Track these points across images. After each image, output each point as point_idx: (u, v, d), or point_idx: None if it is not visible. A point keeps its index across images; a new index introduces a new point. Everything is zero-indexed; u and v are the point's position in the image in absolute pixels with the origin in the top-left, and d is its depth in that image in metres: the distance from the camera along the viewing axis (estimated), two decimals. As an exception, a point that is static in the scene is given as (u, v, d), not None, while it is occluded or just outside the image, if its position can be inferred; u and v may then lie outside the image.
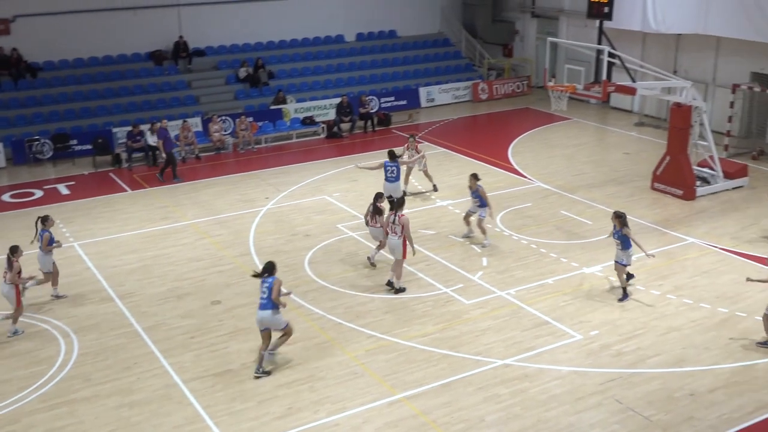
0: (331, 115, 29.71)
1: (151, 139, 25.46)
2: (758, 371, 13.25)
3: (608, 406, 12.36)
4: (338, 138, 28.69)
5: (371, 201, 17.27)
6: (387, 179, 20.03)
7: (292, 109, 29.74)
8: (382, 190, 18.31)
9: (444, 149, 26.45)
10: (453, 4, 37.45)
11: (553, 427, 11.89)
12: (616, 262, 15.84)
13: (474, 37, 37.05)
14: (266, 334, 13.37)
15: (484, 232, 18.44)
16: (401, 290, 16.22)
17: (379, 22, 35.51)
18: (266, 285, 13.13)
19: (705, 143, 22.17)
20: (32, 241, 16.04)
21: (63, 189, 23.54)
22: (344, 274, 17.17)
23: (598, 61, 21.25)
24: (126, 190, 23.36)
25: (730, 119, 25.46)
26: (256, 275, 13.41)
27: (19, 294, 14.81)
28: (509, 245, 18.51)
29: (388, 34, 35.78)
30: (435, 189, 22.26)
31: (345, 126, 29.15)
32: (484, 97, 33.95)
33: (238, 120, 27.55)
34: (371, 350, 14.09)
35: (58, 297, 16.27)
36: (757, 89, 25.18)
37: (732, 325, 14.76)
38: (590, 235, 19.02)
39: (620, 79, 22.96)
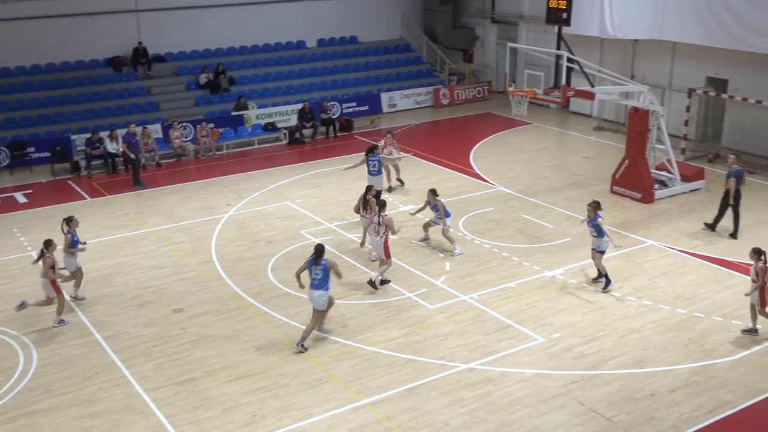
0: (293, 121, 29.64)
1: (111, 146, 25.19)
2: (716, 371, 13.49)
3: (571, 407, 12.48)
4: (300, 144, 28.63)
5: (362, 193, 18.07)
6: (370, 173, 20.74)
7: (254, 115, 29.61)
8: (344, 195, 18.59)
9: (406, 154, 26.50)
10: (413, 10, 37.61)
11: (517, 430, 11.98)
12: (593, 249, 16.46)
13: (434, 42, 37.25)
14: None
15: (452, 241, 18.53)
16: (385, 282, 16.76)
17: (340, 28, 35.54)
18: (320, 267, 14.05)
19: (662, 147, 22.54)
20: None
21: (20, 197, 23.16)
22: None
23: (558, 67, 21.50)
24: (85, 198, 23.06)
25: (686, 123, 25.90)
26: (313, 257, 14.21)
27: (56, 285, 15.07)
28: (472, 249, 18.62)
29: (349, 40, 35.81)
30: (401, 183, 22.94)
31: (307, 132, 29.11)
32: (445, 102, 34.14)
33: (199, 126, 27.35)
34: (335, 356, 14.08)
35: (77, 299, 16.29)
36: (712, 93, 25.66)
37: (690, 325, 15.01)
38: (552, 239, 19.21)
39: (579, 84, 23.25)
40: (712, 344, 14.32)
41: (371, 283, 16.54)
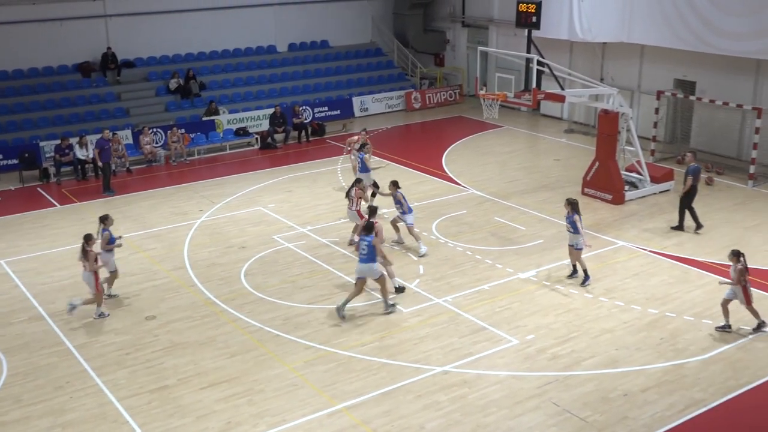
0: (265, 125, 29.55)
1: (80, 153, 24.95)
2: (688, 370, 13.63)
3: (546, 408, 12.55)
4: (272, 149, 28.54)
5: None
6: (361, 170, 21.27)
7: (225, 120, 29.48)
8: (316, 199, 18.62)
9: (379, 158, 26.54)
10: (384, 15, 37.66)
11: (492, 432, 12.03)
12: (569, 245, 16.73)
13: (405, 46, 37.33)
14: (361, 282, 15.27)
15: (417, 239, 18.59)
16: (400, 290, 16.52)
17: (310, 33, 35.50)
18: (365, 243, 15.03)
19: (632, 149, 22.76)
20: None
21: (-12, 205, 22.88)
22: (281, 286, 17.08)
23: (528, 70, 21.64)
24: (55, 205, 22.80)
25: (655, 125, 26.18)
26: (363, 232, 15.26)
27: (98, 280, 15.59)
28: (445, 252, 18.66)
29: (320, 44, 35.79)
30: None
31: (279, 137, 29.03)
32: (417, 106, 34.22)
33: (169, 132, 27.17)
34: (310, 361, 14.04)
35: (110, 296, 16.53)
36: (680, 95, 25.96)
37: (662, 325, 15.16)
38: (524, 241, 19.32)
39: (549, 87, 23.41)
40: (683, 343, 14.47)
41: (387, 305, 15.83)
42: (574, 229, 16.51)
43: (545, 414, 12.40)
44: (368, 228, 15.33)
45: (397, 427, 12.12)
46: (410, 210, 18.55)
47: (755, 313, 14.71)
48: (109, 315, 15.81)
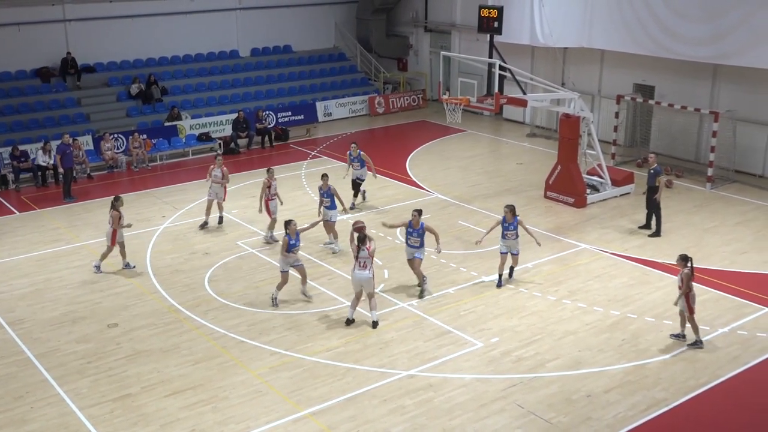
0: (228, 131, 29.39)
1: (43, 159, 24.62)
2: (649, 370, 13.82)
3: (511, 411, 12.64)
4: (235, 154, 28.39)
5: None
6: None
7: (188, 125, 29.27)
8: (279, 202, 19.86)
9: (342, 163, 26.51)
10: (347, 19, 37.69)
11: (457, 435, 12.08)
12: (511, 253, 17.06)
13: (369, 51, 37.39)
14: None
15: (336, 236, 18.92)
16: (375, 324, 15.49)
17: (273, 37, 35.40)
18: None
19: (593, 152, 23.04)
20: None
21: (-56, 213, 22.44)
22: (245, 291, 16.99)
23: (490, 74, 21.81)
24: (14, 213, 22.44)
25: (615, 129, 26.53)
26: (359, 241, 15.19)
27: (115, 235, 17.87)
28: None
29: (283, 49, 35.70)
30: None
31: (242, 142, 28.89)
32: (380, 110, 34.28)
33: (131, 137, 26.90)
34: (275, 367, 13.98)
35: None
36: (639, 100, 26.35)
37: (624, 326, 15.35)
38: (488, 245, 19.39)
39: (512, 91, 23.64)
40: (644, 344, 14.67)
41: (375, 324, 15.44)
42: (514, 236, 16.85)
43: (510, 416, 12.49)
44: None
45: (363, 431, 12.12)
46: (334, 207, 19.09)
47: (695, 329, 14.58)
48: (102, 273, 17.85)
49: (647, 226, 20.12)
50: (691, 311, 14.43)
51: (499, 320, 15.61)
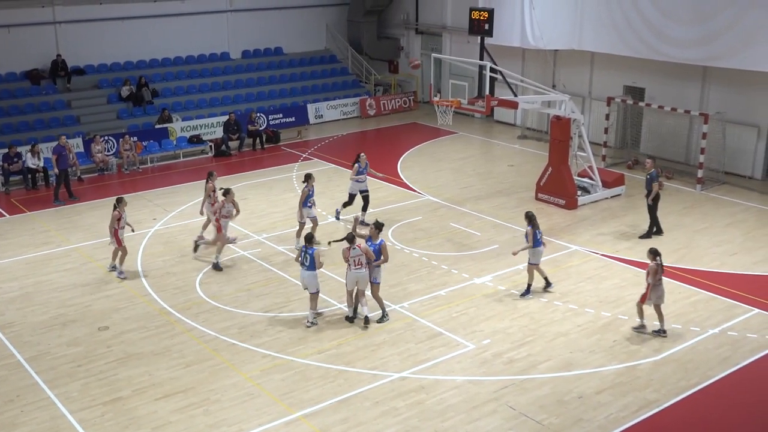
0: (219, 133, 29.34)
1: (32, 161, 24.53)
2: (640, 371, 13.85)
3: (502, 412, 12.65)
4: (227, 156, 28.35)
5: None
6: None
7: (178, 127, 29.20)
8: (272, 207, 19.43)
9: (334, 165, 26.54)
10: (338, 21, 37.70)
11: (449, 437, 12.08)
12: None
13: (360, 53, 37.39)
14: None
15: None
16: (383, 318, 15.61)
17: (264, 39, 35.37)
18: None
19: (584, 154, 23.10)
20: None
21: (-66, 216, 22.32)
22: (237, 294, 16.96)
23: (481, 77, 21.82)
24: (4, 215, 22.34)
25: (606, 131, 26.59)
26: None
27: (117, 236, 17.70)
28: (401, 258, 18.71)
29: (274, 51, 35.67)
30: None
31: (233, 144, 28.84)
32: (372, 112, 34.29)
33: (121, 140, 26.82)
34: (267, 370, 13.96)
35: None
36: (629, 102, 26.43)
37: (615, 327, 15.39)
38: (479, 246, 19.46)
39: (502, 93, 23.62)
40: (636, 345, 14.71)
41: (367, 320, 15.48)
42: (534, 243, 16.35)
43: (502, 418, 12.50)
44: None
45: (355, 434, 12.12)
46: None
47: (640, 313, 15.00)
48: (125, 277, 17.75)
49: (658, 232, 20.03)
50: (643, 299, 14.80)
51: (491, 322, 15.62)
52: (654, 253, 14.78)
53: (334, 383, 13.49)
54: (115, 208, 17.76)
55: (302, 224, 19.15)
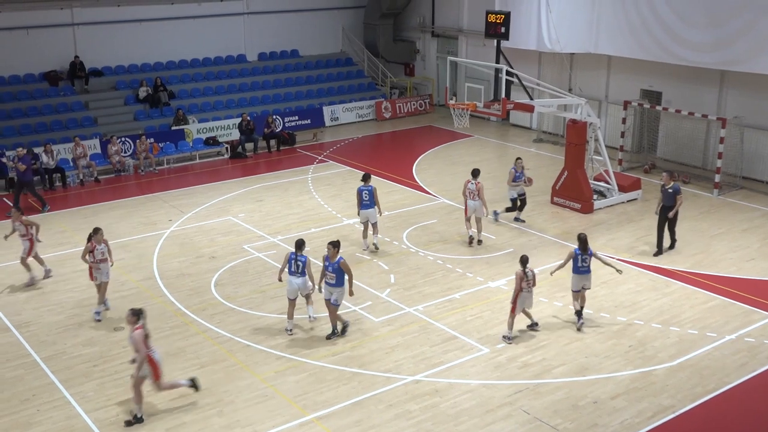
0: (235, 135, 29.44)
1: (44, 160, 24.69)
2: (656, 377, 13.77)
3: (517, 417, 12.61)
4: (242, 158, 28.43)
5: None
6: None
7: (195, 129, 29.33)
8: (287, 209, 18.59)
9: (349, 168, 26.57)
10: (354, 24, 37.75)
11: (463, 441, 12.05)
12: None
13: (376, 56, 37.43)
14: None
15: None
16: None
17: (281, 42, 35.49)
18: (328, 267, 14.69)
19: (600, 158, 23.01)
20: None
21: (-48, 215, 22.48)
22: (251, 296, 17.00)
23: (497, 80, 21.80)
24: (21, 215, 22.47)
25: (622, 134, 26.48)
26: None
27: (91, 273, 15.99)
28: (416, 261, 18.70)
29: (290, 54, 35.77)
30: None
31: (249, 146, 28.92)
32: (387, 115, 34.30)
33: (138, 141, 26.97)
34: (281, 371, 13.98)
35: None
36: (646, 106, 26.30)
37: (630, 333, 15.31)
38: (494, 250, 19.42)
39: (519, 97, 23.63)
40: (651, 351, 14.63)
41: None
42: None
43: (516, 422, 12.46)
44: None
45: (368, 436, 12.12)
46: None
47: (510, 324, 14.99)
48: (101, 320, 16.01)
49: (672, 244, 19.43)
50: (513, 310, 14.91)
51: (505, 326, 15.55)
52: (522, 262, 14.80)
53: (348, 386, 13.50)
54: (89, 239, 15.96)
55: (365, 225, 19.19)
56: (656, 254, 19.12)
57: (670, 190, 18.95)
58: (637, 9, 25.93)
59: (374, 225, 19.11)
